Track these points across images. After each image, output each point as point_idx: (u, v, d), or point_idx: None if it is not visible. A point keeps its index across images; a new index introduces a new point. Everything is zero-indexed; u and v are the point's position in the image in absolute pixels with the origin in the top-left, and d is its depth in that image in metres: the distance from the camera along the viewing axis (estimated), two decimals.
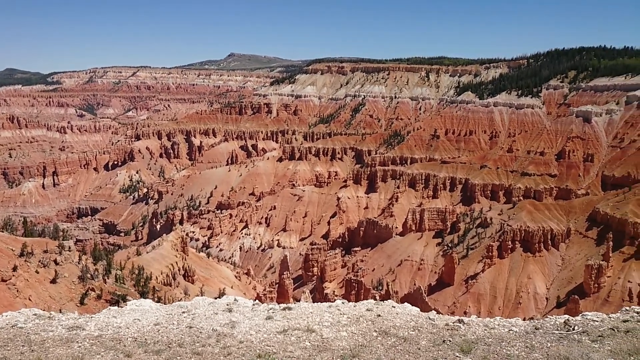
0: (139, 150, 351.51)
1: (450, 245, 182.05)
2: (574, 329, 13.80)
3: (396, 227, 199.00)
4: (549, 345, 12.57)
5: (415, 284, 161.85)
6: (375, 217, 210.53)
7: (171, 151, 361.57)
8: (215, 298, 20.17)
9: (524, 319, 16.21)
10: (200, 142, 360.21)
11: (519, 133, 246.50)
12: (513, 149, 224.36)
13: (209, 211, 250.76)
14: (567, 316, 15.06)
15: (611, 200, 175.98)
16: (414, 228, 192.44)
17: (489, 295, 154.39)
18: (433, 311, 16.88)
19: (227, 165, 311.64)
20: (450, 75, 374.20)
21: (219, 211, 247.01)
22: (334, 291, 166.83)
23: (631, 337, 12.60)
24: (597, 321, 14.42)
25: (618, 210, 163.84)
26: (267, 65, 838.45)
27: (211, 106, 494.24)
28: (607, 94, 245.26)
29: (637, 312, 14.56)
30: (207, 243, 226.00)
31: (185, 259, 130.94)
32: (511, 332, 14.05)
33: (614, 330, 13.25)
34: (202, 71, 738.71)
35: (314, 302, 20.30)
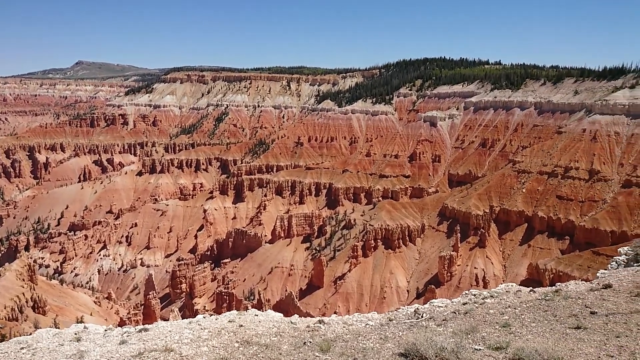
0: None
1: (318, 248, 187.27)
2: (422, 317, 14.81)
3: (265, 235, 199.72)
4: (400, 334, 13.30)
5: (286, 290, 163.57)
6: (243, 227, 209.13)
7: (11, 170, 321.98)
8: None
9: (390, 312, 17.01)
10: (47, 158, 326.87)
11: (375, 138, 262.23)
12: (371, 153, 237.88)
13: (60, 234, 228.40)
14: (416, 305, 16.14)
15: (457, 196, 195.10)
16: (282, 235, 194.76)
17: (357, 293, 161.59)
18: (295, 315, 17.02)
19: (79, 182, 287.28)
20: (310, 84, 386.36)
21: (72, 233, 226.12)
22: (204, 306, 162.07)
23: (469, 317, 13.85)
24: (442, 307, 15.66)
25: (463, 205, 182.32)
26: (121, 74, 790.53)
27: (58, 119, 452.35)
28: (448, 100, 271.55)
29: (474, 295, 16.12)
30: (59, 269, 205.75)
31: (34, 289, 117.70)
32: (367, 326, 14.63)
33: (455, 313, 14.47)
34: (46, 80, 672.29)
35: (183, 319, 19.33)
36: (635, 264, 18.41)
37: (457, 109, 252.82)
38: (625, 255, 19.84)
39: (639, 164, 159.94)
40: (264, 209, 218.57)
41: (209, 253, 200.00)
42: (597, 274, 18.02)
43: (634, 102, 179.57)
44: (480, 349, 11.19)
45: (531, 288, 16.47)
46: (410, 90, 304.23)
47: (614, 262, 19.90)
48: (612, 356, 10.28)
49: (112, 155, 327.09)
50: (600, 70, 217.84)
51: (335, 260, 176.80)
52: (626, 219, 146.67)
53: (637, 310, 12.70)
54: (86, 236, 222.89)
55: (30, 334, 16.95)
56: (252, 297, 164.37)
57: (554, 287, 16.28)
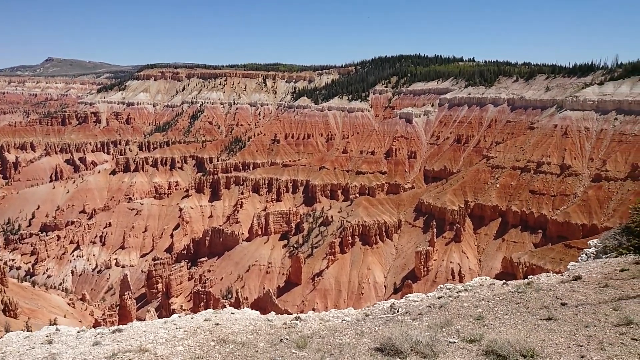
0: None
1: (295, 245, 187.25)
2: (398, 311, 14.95)
3: (242, 233, 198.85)
4: (376, 329, 13.38)
5: (264, 288, 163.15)
6: (220, 225, 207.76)
7: None
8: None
9: (366, 308, 17.07)
10: (16, 157, 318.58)
11: (351, 135, 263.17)
12: (347, 149, 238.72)
13: (31, 234, 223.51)
14: (392, 300, 16.26)
15: (432, 191, 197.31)
16: (260, 232, 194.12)
17: (334, 289, 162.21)
18: (272, 312, 16.98)
19: (50, 181, 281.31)
20: (286, 81, 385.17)
21: (44, 233, 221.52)
22: (181, 306, 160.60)
23: (444, 311, 14.03)
24: (417, 301, 15.83)
25: (438, 200, 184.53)
26: (93, 71, 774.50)
27: (27, 117, 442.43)
28: (423, 97, 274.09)
29: (449, 289, 16.34)
30: (31, 270, 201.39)
31: (5, 292, 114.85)
32: (344, 322, 14.68)
33: (430, 307, 14.63)
34: (14, 77, 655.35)
35: (159, 319, 19.02)
36: (604, 256, 18.87)
37: (432, 106, 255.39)
38: (595, 247, 20.33)
39: (608, 159, 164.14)
40: (241, 206, 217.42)
41: (185, 252, 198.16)
42: (568, 266, 18.43)
43: (603, 99, 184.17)
44: (454, 342, 11.36)
45: (504, 281, 16.76)
46: (385, 87, 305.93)
47: (584, 255, 20.38)
48: (582, 345, 10.56)
49: (84, 154, 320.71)
50: (571, 67, 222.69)
51: (313, 257, 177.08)
52: (596, 212, 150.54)
53: (605, 301, 13.05)
54: (59, 237, 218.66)
55: (0, 338, 16.50)
56: (229, 296, 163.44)
57: (526, 279, 16.60)
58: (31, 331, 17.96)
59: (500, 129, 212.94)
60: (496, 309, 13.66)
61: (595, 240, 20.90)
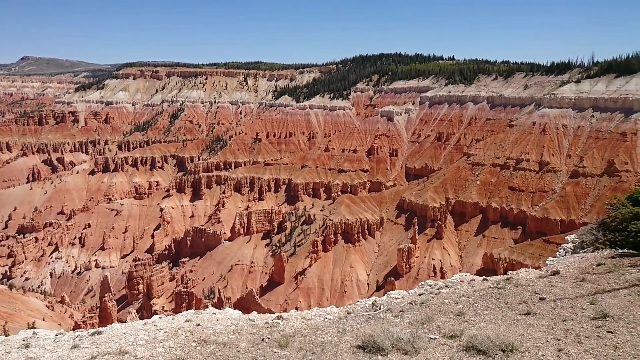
0: None
1: (278, 244, 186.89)
2: (380, 309, 14.98)
3: (225, 233, 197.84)
4: (358, 327, 13.40)
5: (247, 287, 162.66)
6: (202, 225, 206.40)
7: None
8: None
9: (348, 305, 17.04)
10: None
11: (333, 133, 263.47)
12: (329, 148, 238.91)
13: (8, 236, 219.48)
14: (374, 298, 16.29)
15: (414, 189, 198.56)
16: (242, 232, 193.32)
17: (317, 288, 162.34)
18: (254, 312, 16.87)
19: (27, 182, 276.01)
20: (267, 80, 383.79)
21: (21, 235, 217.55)
22: (163, 307, 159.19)
23: (425, 307, 14.11)
24: (398, 298, 15.90)
25: (420, 198, 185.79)
26: (70, 70, 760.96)
27: (3, 117, 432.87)
28: (404, 95, 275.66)
29: (430, 285, 16.44)
30: (8, 273, 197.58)
31: None
32: (326, 320, 14.66)
33: (412, 304, 14.70)
34: None
35: (139, 320, 18.71)
36: (581, 251, 19.20)
37: (413, 104, 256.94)
38: (572, 242, 20.67)
39: (585, 155, 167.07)
40: (223, 206, 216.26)
41: (166, 252, 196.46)
42: (546, 262, 18.67)
43: (580, 96, 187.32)
44: (435, 338, 11.43)
45: (484, 277, 16.92)
46: (367, 85, 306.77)
47: (562, 250, 20.70)
48: (559, 339, 10.72)
49: (62, 154, 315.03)
50: (549, 65, 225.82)
51: (296, 255, 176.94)
52: (574, 207, 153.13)
53: (582, 295, 13.28)
54: (36, 238, 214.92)
55: None
56: (212, 296, 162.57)
57: (505, 275, 16.78)
58: (8, 335, 17.58)
59: (480, 127, 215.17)
60: (476, 304, 13.78)
61: (572, 236, 21.26)
